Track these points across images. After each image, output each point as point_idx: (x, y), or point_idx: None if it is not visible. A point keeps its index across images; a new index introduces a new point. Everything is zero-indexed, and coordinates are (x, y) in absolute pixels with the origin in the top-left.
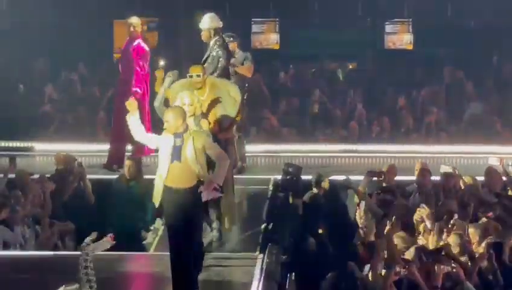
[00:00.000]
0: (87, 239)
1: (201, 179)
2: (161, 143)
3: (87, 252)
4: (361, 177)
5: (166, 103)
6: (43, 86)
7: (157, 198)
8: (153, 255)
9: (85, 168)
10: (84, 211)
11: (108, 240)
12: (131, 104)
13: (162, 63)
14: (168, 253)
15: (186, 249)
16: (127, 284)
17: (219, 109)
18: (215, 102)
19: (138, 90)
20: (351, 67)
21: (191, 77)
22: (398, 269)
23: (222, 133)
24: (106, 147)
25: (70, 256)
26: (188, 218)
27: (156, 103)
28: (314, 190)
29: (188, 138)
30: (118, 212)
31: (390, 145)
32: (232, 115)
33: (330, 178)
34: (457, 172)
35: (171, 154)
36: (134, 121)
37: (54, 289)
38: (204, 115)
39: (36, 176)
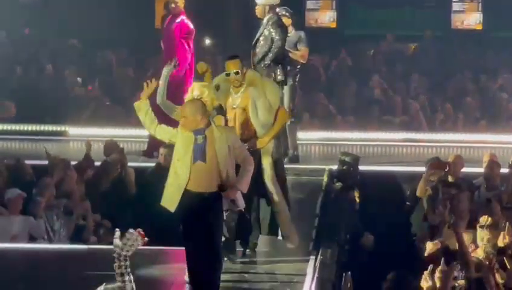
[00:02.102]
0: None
1: (223, 184)
2: (178, 139)
3: (119, 252)
4: (424, 169)
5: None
6: (76, 67)
7: (172, 202)
8: None
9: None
10: (124, 201)
11: (138, 235)
12: (149, 88)
13: (207, 42)
14: None
15: (205, 261)
16: (168, 279)
17: (251, 114)
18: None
19: (177, 63)
20: (413, 48)
21: (228, 75)
22: (456, 273)
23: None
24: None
25: (104, 250)
26: (210, 226)
27: (159, 99)
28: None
29: (213, 134)
30: (154, 204)
31: (456, 134)
32: (264, 121)
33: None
34: None
35: (191, 153)
36: (144, 107)
37: (88, 285)
38: (220, 111)
39: (73, 163)
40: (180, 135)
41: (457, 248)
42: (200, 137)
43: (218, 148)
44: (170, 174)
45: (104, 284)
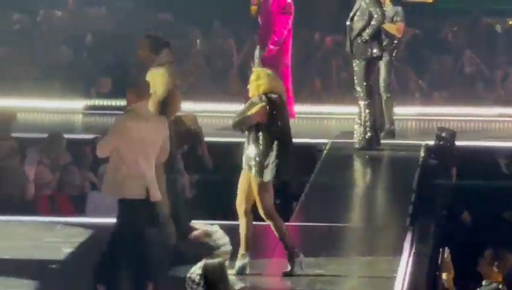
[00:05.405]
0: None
1: None
2: None
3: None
4: None
5: None
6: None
7: None
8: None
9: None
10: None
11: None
12: None
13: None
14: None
15: None
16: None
17: None
18: None
19: (272, 47)
20: (511, 23)
21: None
22: None
23: None
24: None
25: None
26: None
27: None
28: None
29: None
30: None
31: None
32: None
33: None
34: None
35: None
36: None
37: (182, 260)
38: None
39: None
40: None
41: None
42: None
43: None
44: None
45: (204, 259)
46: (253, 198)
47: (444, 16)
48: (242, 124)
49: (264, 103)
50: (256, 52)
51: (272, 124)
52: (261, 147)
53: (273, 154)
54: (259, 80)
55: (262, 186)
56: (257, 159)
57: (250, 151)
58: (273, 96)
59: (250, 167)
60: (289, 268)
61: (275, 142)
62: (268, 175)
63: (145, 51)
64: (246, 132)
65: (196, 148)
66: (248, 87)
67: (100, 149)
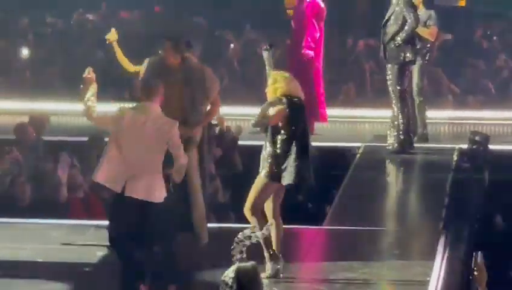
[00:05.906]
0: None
1: None
2: None
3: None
4: None
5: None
6: (201, 45)
7: None
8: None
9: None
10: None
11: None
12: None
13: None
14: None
15: None
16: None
17: None
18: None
19: (310, 52)
20: None
21: None
22: None
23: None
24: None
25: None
26: None
27: None
28: None
29: None
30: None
31: None
32: None
33: None
34: None
35: None
36: None
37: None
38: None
39: None
40: None
41: None
42: None
43: None
44: None
45: (237, 263)
46: (279, 199)
47: (478, 19)
48: (260, 124)
49: (284, 105)
50: (265, 54)
51: (291, 126)
52: (278, 150)
53: (291, 158)
54: (276, 83)
55: (264, 185)
56: (269, 160)
57: (266, 153)
58: (294, 98)
59: (263, 167)
60: (270, 271)
61: (293, 145)
62: (286, 179)
63: (173, 54)
64: (264, 134)
65: (229, 153)
66: (266, 91)
67: (86, 114)
